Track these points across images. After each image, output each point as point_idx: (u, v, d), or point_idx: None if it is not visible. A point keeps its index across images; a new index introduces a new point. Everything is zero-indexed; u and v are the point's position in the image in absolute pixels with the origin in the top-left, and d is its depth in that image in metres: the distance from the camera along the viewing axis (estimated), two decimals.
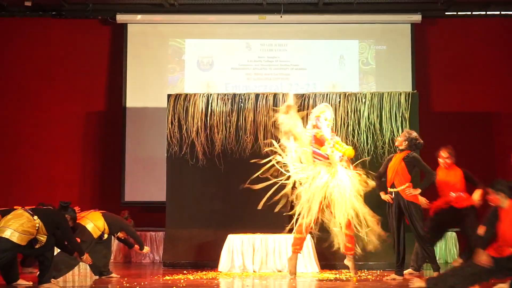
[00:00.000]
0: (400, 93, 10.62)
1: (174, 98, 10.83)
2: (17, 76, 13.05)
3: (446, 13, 13.11)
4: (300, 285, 8.00)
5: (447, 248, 11.77)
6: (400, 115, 10.48)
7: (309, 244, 9.61)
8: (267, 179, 8.58)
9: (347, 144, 9.50)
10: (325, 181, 8.46)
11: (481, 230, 6.50)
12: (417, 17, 12.89)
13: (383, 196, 8.59)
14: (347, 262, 8.78)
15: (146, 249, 9.45)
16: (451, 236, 11.84)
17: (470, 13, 13.12)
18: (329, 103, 10.49)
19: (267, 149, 8.92)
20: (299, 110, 9.13)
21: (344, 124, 10.50)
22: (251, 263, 9.53)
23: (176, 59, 13.10)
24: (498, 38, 13.04)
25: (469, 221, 8.73)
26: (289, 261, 8.71)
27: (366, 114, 10.53)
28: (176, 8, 13.00)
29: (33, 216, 7.29)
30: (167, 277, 8.68)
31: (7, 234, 7.13)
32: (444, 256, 11.74)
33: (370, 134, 10.47)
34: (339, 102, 10.58)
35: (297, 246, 8.68)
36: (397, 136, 9.56)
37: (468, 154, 12.75)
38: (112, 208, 11.02)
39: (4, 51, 13.08)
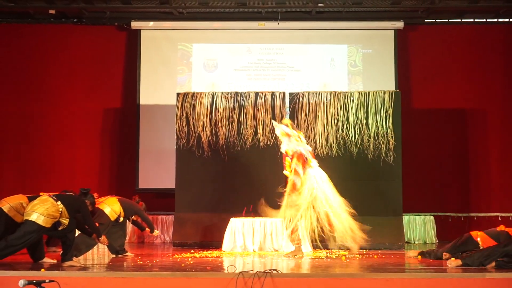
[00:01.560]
0: (385, 92, 10.62)
1: (182, 96, 10.83)
2: (42, 76, 13.01)
3: (426, 20, 13.09)
4: (293, 263, 8.01)
5: (426, 230, 11.78)
6: (384, 111, 10.48)
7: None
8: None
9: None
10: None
11: None
12: (399, 24, 12.85)
13: None
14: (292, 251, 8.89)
15: (156, 232, 9.46)
16: (429, 219, 11.85)
17: (447, 20, 13.10)
18: (320, 101, 10.54)
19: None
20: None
21: (334, 119, 10.51)
22: (251, 243, 9.54)
23: (184, 62, 13.06)
24: (472, 43, 13.01)
25: None
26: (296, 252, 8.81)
27: (354, 110, 10.53)
28: (184, 16, 12.98)
29: (56, 202, 7.30)
30: (176, 256, 8.69)
31: (33, 217, 7.15)
32: (423, 237, 11.77)
33: (357, 129, 10.47)
34: (330, 100, 10.58)
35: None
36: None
37: (444, 146, 12.78)
38: (127, 194, 11.04)
39: (30, 54, 13.04)
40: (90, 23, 13.16)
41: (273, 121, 9.66)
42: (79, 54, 13.09)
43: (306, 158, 8.72)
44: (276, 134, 9.05)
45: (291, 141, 8.78)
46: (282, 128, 8.85)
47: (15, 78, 12.99)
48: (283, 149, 8.85)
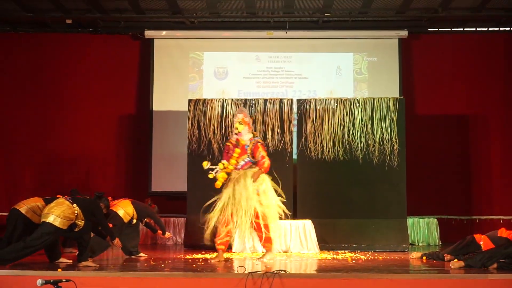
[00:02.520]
0: (389, 99, 10.59)
1: (194, 103, 10.84)
2: (60, 83, 13.07)
3: (429, 29, 13.07)
4: (302, 263, 7.99)
5: (429, 232, 11.74)
6: (389, 117, 10.46)
7: (310, 228, 9.61)
8: None
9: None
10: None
11: None
12: (403, 33, 12.84)
13: None
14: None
15: (168, 234, 9.46)
16: (433, 221, 11.81)
17: (449, 29, 13.07)
18: (327, 108, 10.53)
19: None
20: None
21: (340, 125, 10.49)
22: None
23: (196, 69, 13.09)
24: (474, 51, 12.98)
25: None
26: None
27: (359, 117, 10.50)
28: (196, 25, 13.02)
29: (72, 204, 7.32)
30: (188, 257, 8.68)
31: (50, 219, 7.16)
32: (427, 239, 11.72)
33: (363, 134, 10.45)
34: (336, 106, 10.57)
35: (222, 246, 8.17)
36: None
37: (447, 151, 12.74)
38: (141, 197, 11.11)
39: (48, 62, 13.10)
40: (105, 32, 13.21)
41: (241, 108, 8.77)
42: (94, 62, 13.14)
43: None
44: (237, 120, 8.14)
45: (248, 132, 8.19)
46: (244, 116, 8.17)
47: (33, 85, 13.06)
48: (245, 137, 8.10)
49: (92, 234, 7.68)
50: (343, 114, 10.53)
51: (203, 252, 9.48)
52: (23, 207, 7.58)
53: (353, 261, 8.22)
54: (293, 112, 10.76)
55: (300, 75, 13.00)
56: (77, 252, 7.51)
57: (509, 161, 12.65)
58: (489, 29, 12.97)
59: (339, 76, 12.98)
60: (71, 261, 7.70)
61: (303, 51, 13.06)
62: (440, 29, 13.07)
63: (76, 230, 7.36)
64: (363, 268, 7.27)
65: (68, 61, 13.12)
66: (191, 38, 13.16)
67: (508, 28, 12.90)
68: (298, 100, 10.81)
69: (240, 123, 8.12)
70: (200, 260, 8.21)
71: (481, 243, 7.82)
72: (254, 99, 10.83)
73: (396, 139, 10.39)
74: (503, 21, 12.70)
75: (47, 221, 7.17)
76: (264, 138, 10.52)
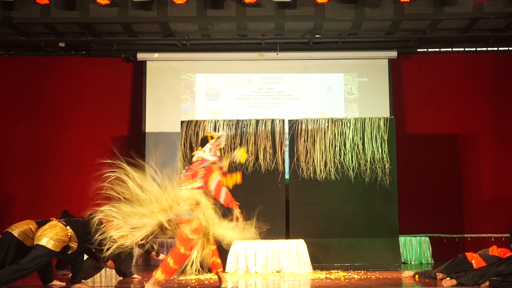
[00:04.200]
0: (380, 118, 10.62)
1: (186, 124, 10.83)
2: (53, 105, 13.05)
3: (418, 50, 13.16)
4: (295, 283, 7.95)
5: (422, 251, 11.71)
6: (380, 137, 10.47)
7: (303, 248, 9.58)
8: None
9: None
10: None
11: None
12: (393, 54, 12.92)
13: None
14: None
15: (162, 256, 9.41)
16: (425, 240, 11.79)
17: (438, 49, 13.16)
18: (318, 128, 10.54)
19: None
20: None
21: (332, 145, 10.50)
22: (253, 265, 9.48)
23: (188, 91, 13.10)
24: (462, 71, 13.06)
25: None
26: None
27: (350, 136, 10.52)
28: (188, 48, 13.06)
29: (66, 226, 7.27)
30: (181, 278, 8.63)
31: (43, 242, 7.10)
32: (419, 258, 11.69)
33: (354, 154, 10.46)
34: (328, 126, 10.58)
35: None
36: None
37: (438, 170, 12.75)
38: None
39: (41, 85, 13.10)
40: (98, 55, 13.24)
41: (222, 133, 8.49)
42: (88, 84, 13.14)
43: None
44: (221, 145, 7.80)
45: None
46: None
47: (27, 108, 13.03)
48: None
49: (85, 256, 7.62)
50: (335, 134, 10.54)
51: (196, 273, 9.40)
52: (16, 230, 7.51)
53: (346, 280, 8.18)
54: (285, 132, 10.76)
55: (292, 96, 13.04)
56: (71, 275, 7.44)
57: (499, 179, 12.68)
58: (477, 49, 13.07)
59: (330, 96, 13.02)
60: (64, 283, 7.64)
61: (294, 72, 13.11)
62: (429, 50, 13.16)
63: (69, 252, 7.30)
64: (356, 287, 7.24)
65: (61, 84, 13.11)
66: (183, 60, 13.19)
67: (496, 48, 13.00)
68: (289, 121, 10.82)
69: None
70: (193, 281, 8.15)
71: (473, 261, 7.80)
72: (246, 120, 10.83)
73: (387, 158, 10.40)
74: (491, 42, 12.81)
75: (40, 243, 7.11)
76: (256, 158, 10.51)
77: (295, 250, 9.57)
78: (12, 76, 13.11)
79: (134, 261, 10.97)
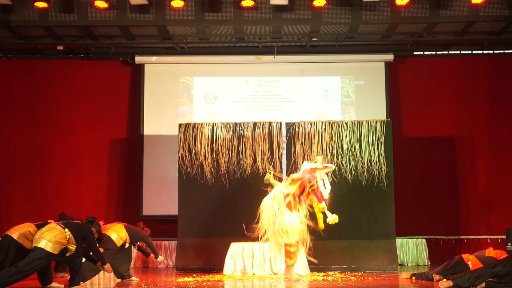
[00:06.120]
0: (376, 121, 10.64)
1: (184, 127, 10.85)
2: (51, 108, 13.04)
3: (414, 53, 13.17)
4: (292, 285, 7.95)
5: (418, 252, 11.73)
6: (377, 139, 10.50)
7: (300, 250, 9.56)
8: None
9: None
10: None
11: None
12: (389, 57, 12.94)
13: None
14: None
15: (160, 258, 9.42)
16: (421, 242, 11.80)
17: (434, 52, 13.18)
18: (315, 130, 10.55)
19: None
20: None
21: (329, 148, 10.52)
22: (251, 267, 9.48)
23: (186, 94, 13.11)
24: (458, 74, 13.08)
25: None
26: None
27: (347, 139, 10.54)
28: (186, 51, 13.06)
29: (64, 229, 7.28)
30: (179, 280, 8.63)
31: (42, 244, 7.11)
32: (416, 259, 11.70)
33: (351, 156, 10.48)
34: (325, 129, 10.60)
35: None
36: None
37: (434, 172, 12.77)
38: (132, 220, 11.04)
39: (40, 88, 13.08)
40: (96, 58, 13.23)
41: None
42: (86, 87, 13.13)
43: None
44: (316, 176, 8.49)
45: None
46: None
47: (25, 110, 13.02)
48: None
49: (83, 259, 7.62)
50: (332, 137, 10.56)
51: (194, 275, 9.42)
52: (15, 232, 7.52)
53: (343, 282, 8.19)
54: (282, 135, 10.77)
55: (289, 99, 13.04)
56: (69, 277, 7.45)
57: (495, 181, 12.69)
58: (473, 52, 13.09)
59: (327, 99, 13.03)
60: (63, 285, 7.64)
61: (292, 75, 13.11)
62: (425, 53, 13.18)
63: (68, 254, 7.30)
64: None
65: (59, 87, 13.10)
66: (181, 63, 13.20)
67: (491, 51, 13.02)
68: (287, 123, 10.83)
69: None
70: (191, 283, 8.16)
71: (469, 263, 7.82)
72: (244, 123, 10.84)
73: (384, 161, 10.41)
74: (487, 45, 12.83)
75: (38, 246, 7.11)
76: (254, 161, 10.53)
77: None
78: (11, 79, 13.09)
79: (132, 263, 10.95)
